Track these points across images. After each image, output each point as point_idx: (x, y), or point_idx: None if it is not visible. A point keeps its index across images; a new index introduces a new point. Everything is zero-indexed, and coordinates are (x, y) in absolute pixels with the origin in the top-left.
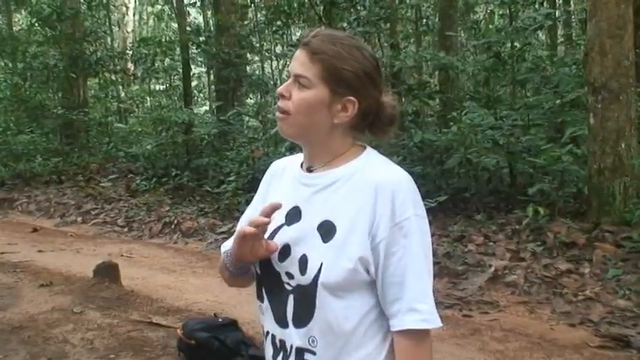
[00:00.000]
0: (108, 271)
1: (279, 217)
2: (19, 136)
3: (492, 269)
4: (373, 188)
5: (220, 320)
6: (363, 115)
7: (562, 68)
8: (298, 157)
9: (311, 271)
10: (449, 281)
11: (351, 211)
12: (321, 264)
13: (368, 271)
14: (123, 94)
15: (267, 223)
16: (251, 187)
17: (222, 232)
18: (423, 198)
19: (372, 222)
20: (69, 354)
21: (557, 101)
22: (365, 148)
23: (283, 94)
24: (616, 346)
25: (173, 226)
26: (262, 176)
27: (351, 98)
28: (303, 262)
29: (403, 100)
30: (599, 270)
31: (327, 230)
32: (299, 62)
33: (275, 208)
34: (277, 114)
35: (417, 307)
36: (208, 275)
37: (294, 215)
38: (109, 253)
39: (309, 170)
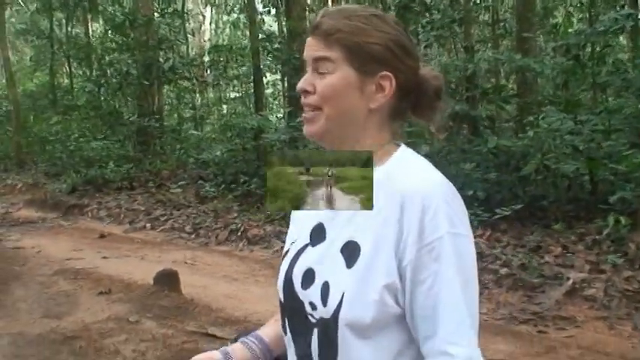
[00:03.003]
0: (167, 279)
1: (304, 236)
2: (92, 142)
3: (570, 282)
4: (399, 199)
5: None
6: (403, 93)
7: None
8: None
9: (332, 303)
10: (524, 294)
11: (375, 228)
12: (343, 294)
13: (398, 302)
14: (198, 102)
15: None
16: None
17: None
18: (498, 206)
19: (399, 241)
20: None
21: None
22: (399, 147)
23: (306, 90)
24: None
25: (239, 233)
26: None
27: (386, 73)
28: (325, 290)
29: (478, 105)
30: None
31: (351, 252)
32: (312, 49)
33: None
34: (304, 115)
35: (449, 349)
36: (270, 284)
37: (318, 233)
38: (172, 260)
39: None
